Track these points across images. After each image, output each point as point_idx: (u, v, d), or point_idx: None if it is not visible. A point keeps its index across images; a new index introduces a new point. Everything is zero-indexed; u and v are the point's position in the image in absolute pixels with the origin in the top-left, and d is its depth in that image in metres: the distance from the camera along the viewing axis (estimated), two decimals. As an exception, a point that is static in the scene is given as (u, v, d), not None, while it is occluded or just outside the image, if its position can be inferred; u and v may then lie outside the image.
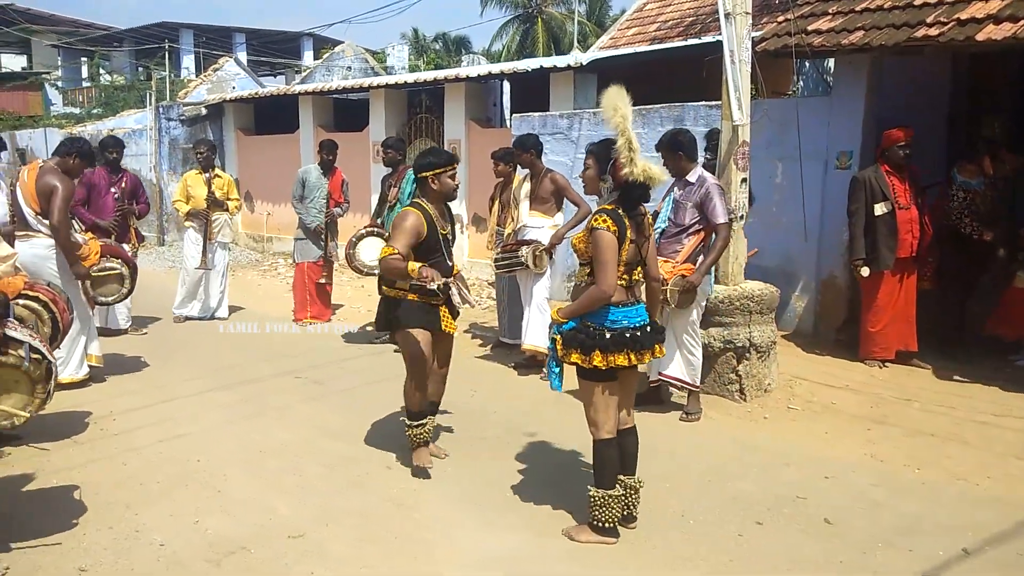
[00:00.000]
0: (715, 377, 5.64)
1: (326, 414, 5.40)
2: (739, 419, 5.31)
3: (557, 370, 3.67)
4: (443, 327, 4.44)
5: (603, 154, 3.58)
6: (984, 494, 4.12)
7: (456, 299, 4.46)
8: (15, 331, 3.44)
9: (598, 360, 3.45)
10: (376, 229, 7.15)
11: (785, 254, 7.12)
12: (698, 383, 5.30)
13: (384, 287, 4.45)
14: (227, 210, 8.36)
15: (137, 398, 5.69)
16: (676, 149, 5.15)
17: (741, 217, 5.67)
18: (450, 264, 4.47)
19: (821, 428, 5.12)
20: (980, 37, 5.64)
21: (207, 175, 8.24)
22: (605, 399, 3.57)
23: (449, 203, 4.54)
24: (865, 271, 6.22)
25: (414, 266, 4.03)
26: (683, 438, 4.94)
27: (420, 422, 4.40)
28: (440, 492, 4.17)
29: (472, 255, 11.04)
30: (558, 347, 3.58)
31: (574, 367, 3.59)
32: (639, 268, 3.61)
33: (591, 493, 3.59)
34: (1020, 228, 6.29)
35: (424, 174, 4.38)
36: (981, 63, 7.36)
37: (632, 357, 3.47)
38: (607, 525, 3.57)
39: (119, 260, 5.94)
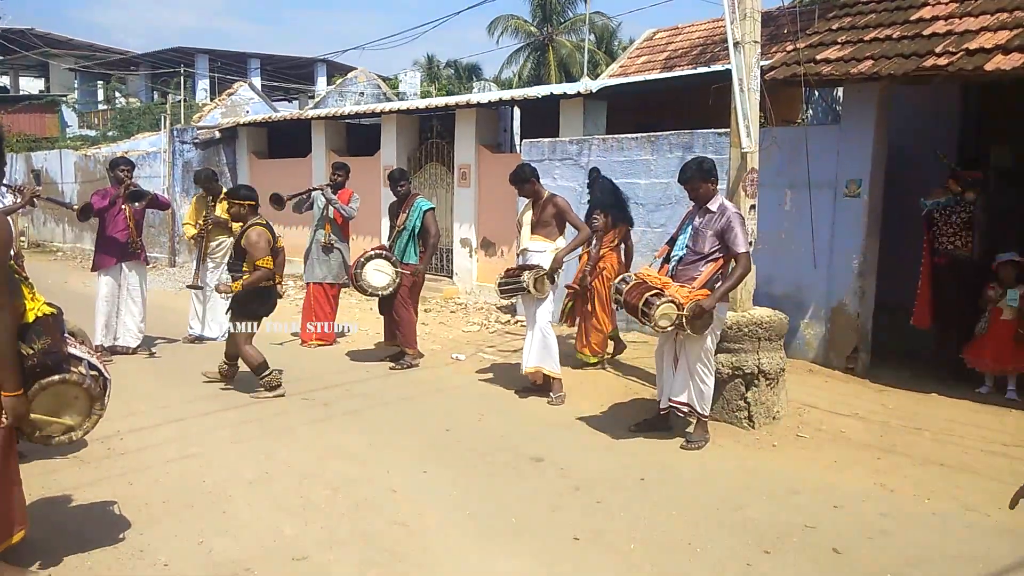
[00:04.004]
0: (723, 403, 5.61)
1: (332, 436, 5.39)
2: (747, 446, 5.27)
3: None
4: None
5: None
6: (994, 525, 4.07)
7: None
8: (74, 348, 3.45)
9: None
10: (384, 252, 7.28)
11: (794, 282, 7.12)
12: (706, 412, 5.25)
13: None
14: (230, 231, 8.47)
15: (144, 418, 5.70)
16: (709, 175, 5.15)
17: (750, 243, 5.66)
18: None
19: (830, 456, 5.08)
20: (989, 67, 5.66)
21: (211, 200, 8.49)
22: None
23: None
24: None
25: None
26: (691, 465, 4.91)
27: (268, 370, 6.31)
28: (446, 516, 4.15)
29: (480, 279, 11.06)
30: None
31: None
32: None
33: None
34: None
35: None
36: (992, 92, 7.38)
37: None
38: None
39: None
